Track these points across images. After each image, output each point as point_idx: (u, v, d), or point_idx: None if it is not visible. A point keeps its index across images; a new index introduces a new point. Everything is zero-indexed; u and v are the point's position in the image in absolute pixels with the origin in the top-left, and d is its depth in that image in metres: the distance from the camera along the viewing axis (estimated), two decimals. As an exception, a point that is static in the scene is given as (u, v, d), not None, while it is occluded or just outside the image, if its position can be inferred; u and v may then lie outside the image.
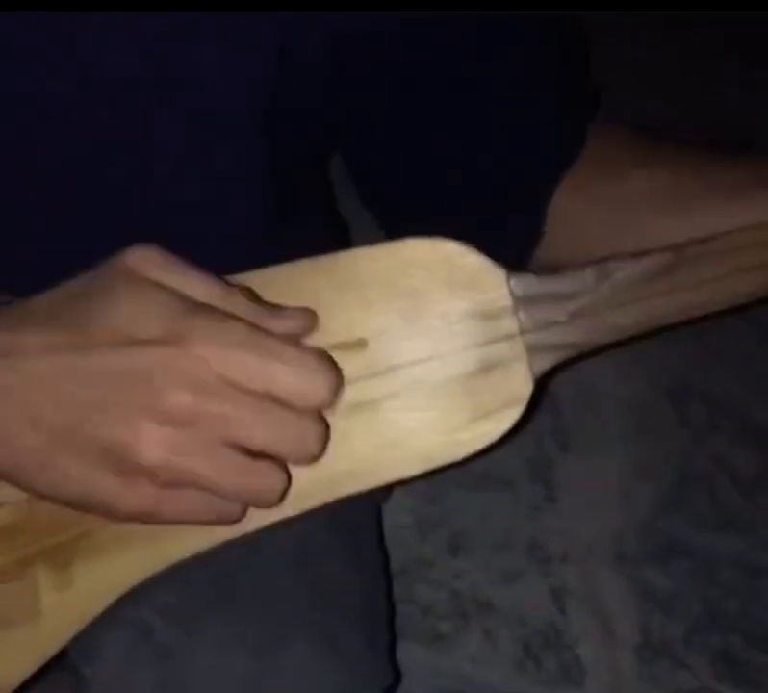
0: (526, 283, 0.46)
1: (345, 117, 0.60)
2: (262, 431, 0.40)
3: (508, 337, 0.46)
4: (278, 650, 0.49)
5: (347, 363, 0.45)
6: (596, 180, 0.58)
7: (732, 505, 0.80)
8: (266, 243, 0.54)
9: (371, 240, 0.48)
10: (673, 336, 0.92)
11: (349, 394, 0.45)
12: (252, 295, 0.44)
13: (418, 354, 0.46)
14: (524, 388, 0.46)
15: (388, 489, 0.64)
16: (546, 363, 0.46)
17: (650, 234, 0.55)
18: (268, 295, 0.45)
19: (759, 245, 0.47)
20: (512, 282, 0.46)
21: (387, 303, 0.46)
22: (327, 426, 0.42)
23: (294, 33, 0.51)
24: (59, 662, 0.47)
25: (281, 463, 0.41)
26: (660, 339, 0.92)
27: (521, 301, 0.46)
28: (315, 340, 0.45)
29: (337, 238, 0.65)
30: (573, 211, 0.57)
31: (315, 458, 0.42)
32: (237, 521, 0.43)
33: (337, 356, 0.45)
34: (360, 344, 0.46)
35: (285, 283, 0.46)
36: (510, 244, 0.57)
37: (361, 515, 0.58)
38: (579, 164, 0.58)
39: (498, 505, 0.78)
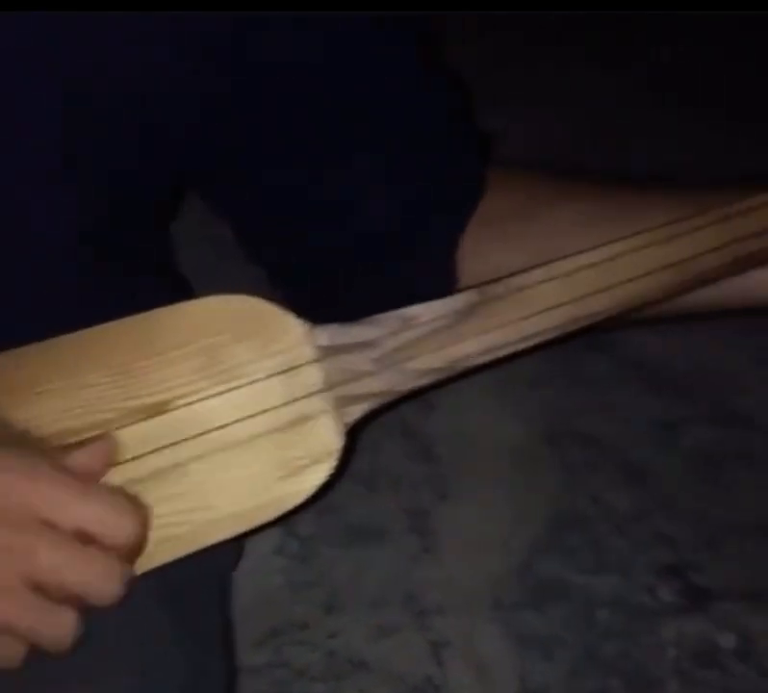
0: (329, 334, 0.46)
1: (210, 173, 0.58)
2: (62, 567, 0.40)
3: (314, 391, 0.45)
4: None
5: (150, 427, 0.44)
6: (512, 219, 0.57)
7: (609, 545, 0.80)
8: (82, 305, 0.52)
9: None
10: (549, 379, 0.93)
11: (154, 460, 0.44)
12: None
13: (223, 414, 0.45)
14: (334, 441, 0.45)
15: (236, 556, 0.62)
16: (356, 413, 0.46)
17: None
18: (65, 362, 0.44)
19: (555, 279, 0.47)
20: (315, 334, 0.46)
21: (189, 363, 0.45)
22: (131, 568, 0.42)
23: (87, 88, 0.49)
24: None
25: (78, 607, 0.41)
26: (536, 382, 0.93)
27: (325, 353, 0.46)
28: (116, 403, 0.44)
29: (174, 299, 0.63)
30: (490, 254, 0.56)
31: (115, 597, 0.42)
32: (14, 665, 0.42)
33: (139, 420, 0.44)
34: (162, 406, 0.45)
35: (86, 348, 0.45)
36: (423, 296, 0.56)
37: (197, 585, 0.55)
38: (489, 206, 0.57)
39: (373, 560, 0.77)
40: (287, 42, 0.53)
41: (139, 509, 0.42)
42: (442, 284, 0.56)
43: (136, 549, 0.42)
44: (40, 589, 0.40)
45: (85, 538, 0.41)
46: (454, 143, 0.59)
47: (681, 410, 0.93)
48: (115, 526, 0.41)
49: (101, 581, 0.41)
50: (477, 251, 0.57)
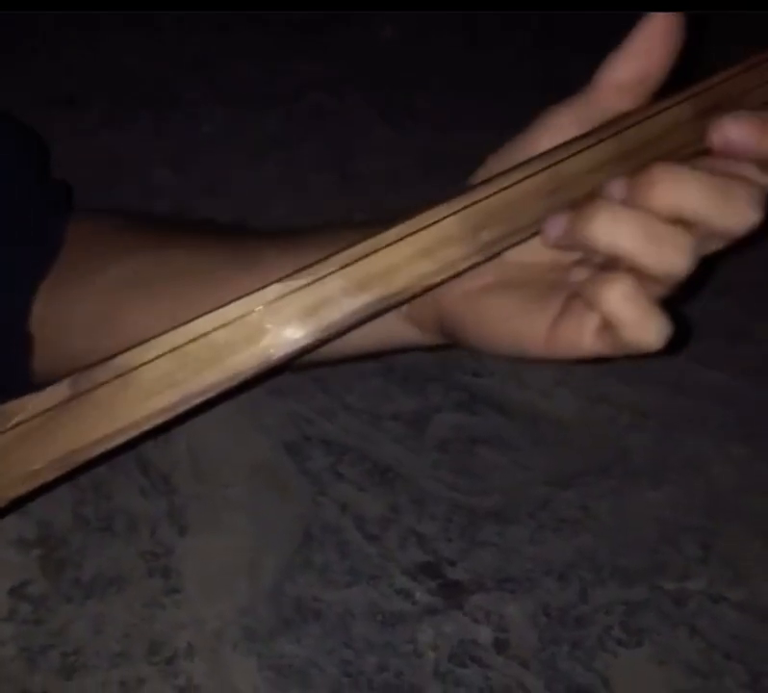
0: None
1: None
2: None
3: None
4: None
5: None
6: (75, 279, 0.53)
7: (361, 554, 0.78)
8: None
9: None
10: (293, 387, 0.90)
11: None
12: None
13: None
14: None
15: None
16: None
17: (129, 327, 0.51)
18: None
19: (164, 355, 0.43)
20: None
21: None
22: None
23: None
24: None
25: None
26: (278, 391, 0.90)
27: None
28: None
29: None
30: (57, 317, 0.53)
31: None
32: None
33: None
34: None
35: None
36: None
37: None
38: (59, 265, 0.53)
39: (114, 611, 0.73)
40: None
41: None
42: (16, 352, 0.52)
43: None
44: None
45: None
46: (27, 198, 0.55)
47: (427, 401, 0.92)
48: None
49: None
50: (50, 316, 0.53)
